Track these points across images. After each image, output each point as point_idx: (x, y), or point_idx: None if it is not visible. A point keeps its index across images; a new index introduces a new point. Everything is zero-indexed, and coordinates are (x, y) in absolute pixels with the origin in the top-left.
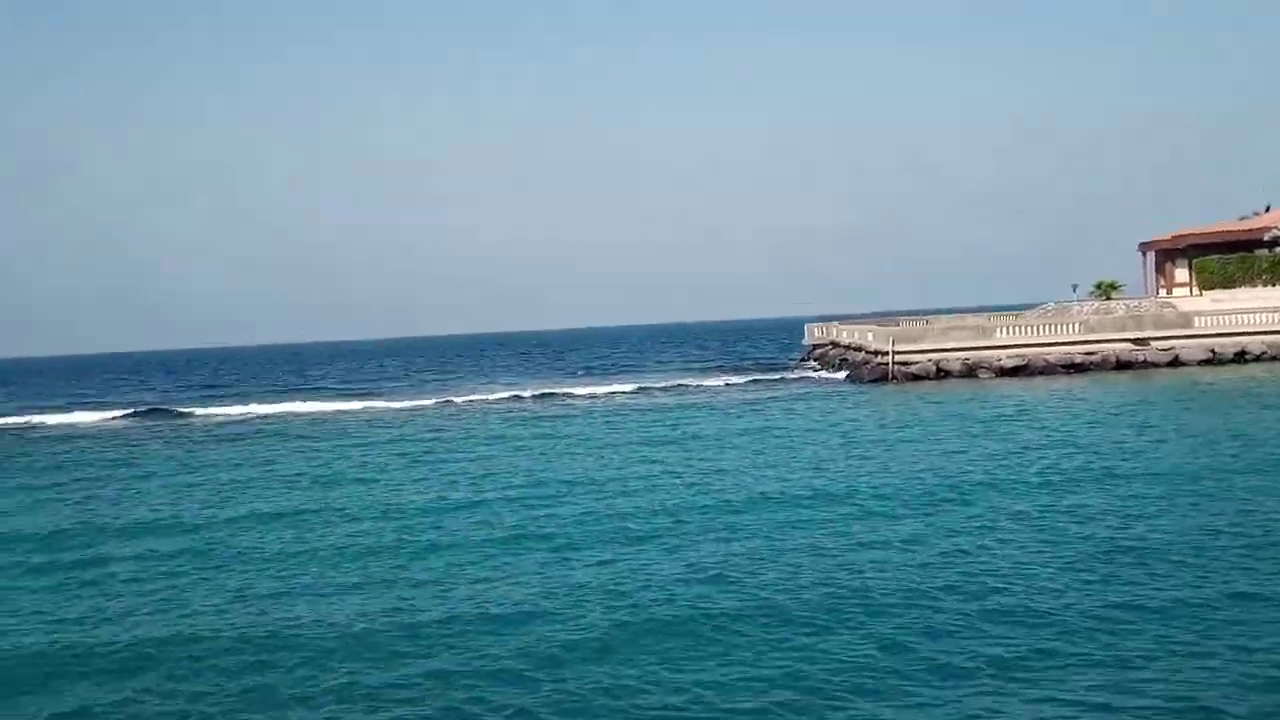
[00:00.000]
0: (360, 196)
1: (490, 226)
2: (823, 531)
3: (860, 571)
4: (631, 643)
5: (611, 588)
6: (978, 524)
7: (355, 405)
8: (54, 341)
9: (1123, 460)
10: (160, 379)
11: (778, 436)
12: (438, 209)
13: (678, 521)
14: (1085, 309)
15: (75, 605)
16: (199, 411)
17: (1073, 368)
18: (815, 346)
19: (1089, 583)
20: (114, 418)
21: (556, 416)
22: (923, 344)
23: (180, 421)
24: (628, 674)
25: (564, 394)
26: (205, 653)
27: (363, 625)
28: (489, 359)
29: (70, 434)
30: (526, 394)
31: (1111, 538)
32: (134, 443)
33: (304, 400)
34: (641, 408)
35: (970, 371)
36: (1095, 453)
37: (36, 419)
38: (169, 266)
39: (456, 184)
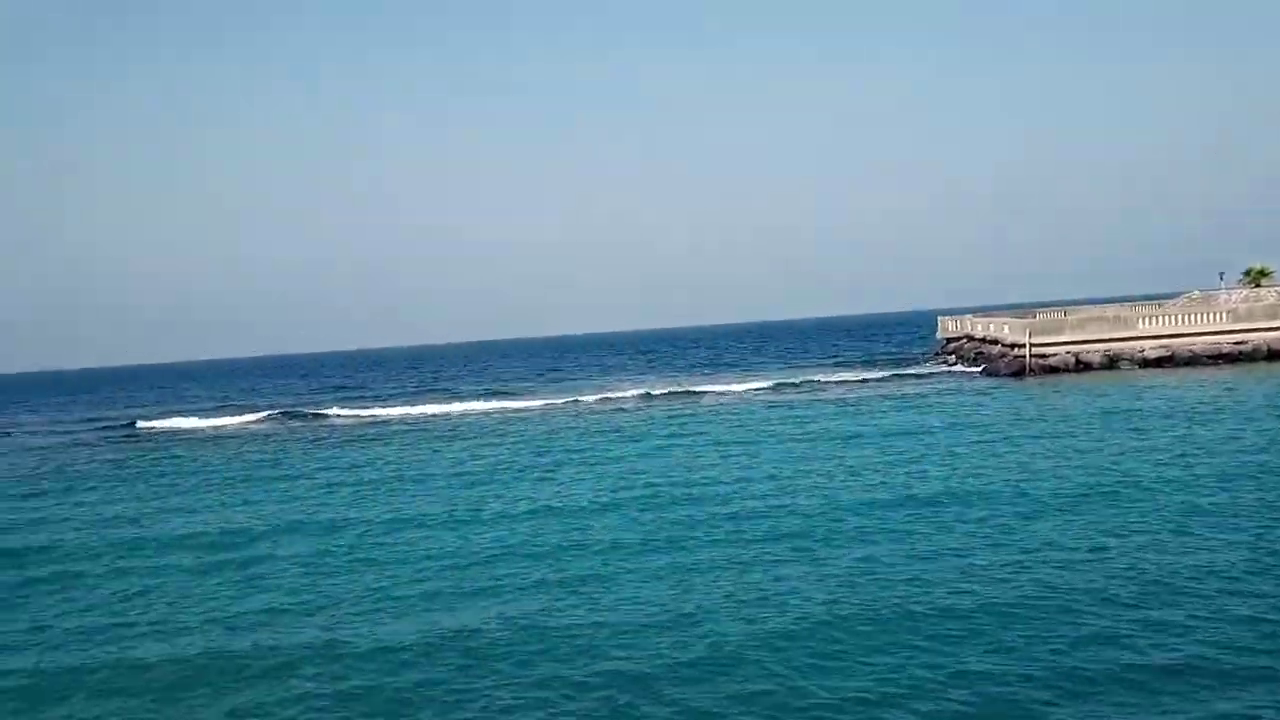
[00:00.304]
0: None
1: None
2: (991, 529)
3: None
4: (851, 634)
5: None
6: (1169, 524)
7: (508, 404)
8: (197, 347)
9: None
10: (297, 382)
11: (932, 434)
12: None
13: (866, 519)
14: (1233, 297)
15: (244, 602)
16: (347, 412)
17: (1220, 358)
18: (949, 340)
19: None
20: (258, 419)
21: (710, 413)
22: (1061, 336)
23: (339, 422)
24: (844, 662)
25: (693, 391)
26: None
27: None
28: (591, 358)
29: (219, 435)
30: (656, 391)
31: None
32: (281, 443)
33: (446, 401)
34: (781, 404)
35: (1111, 363)
36: (1262, 449)
37: (184, 423)
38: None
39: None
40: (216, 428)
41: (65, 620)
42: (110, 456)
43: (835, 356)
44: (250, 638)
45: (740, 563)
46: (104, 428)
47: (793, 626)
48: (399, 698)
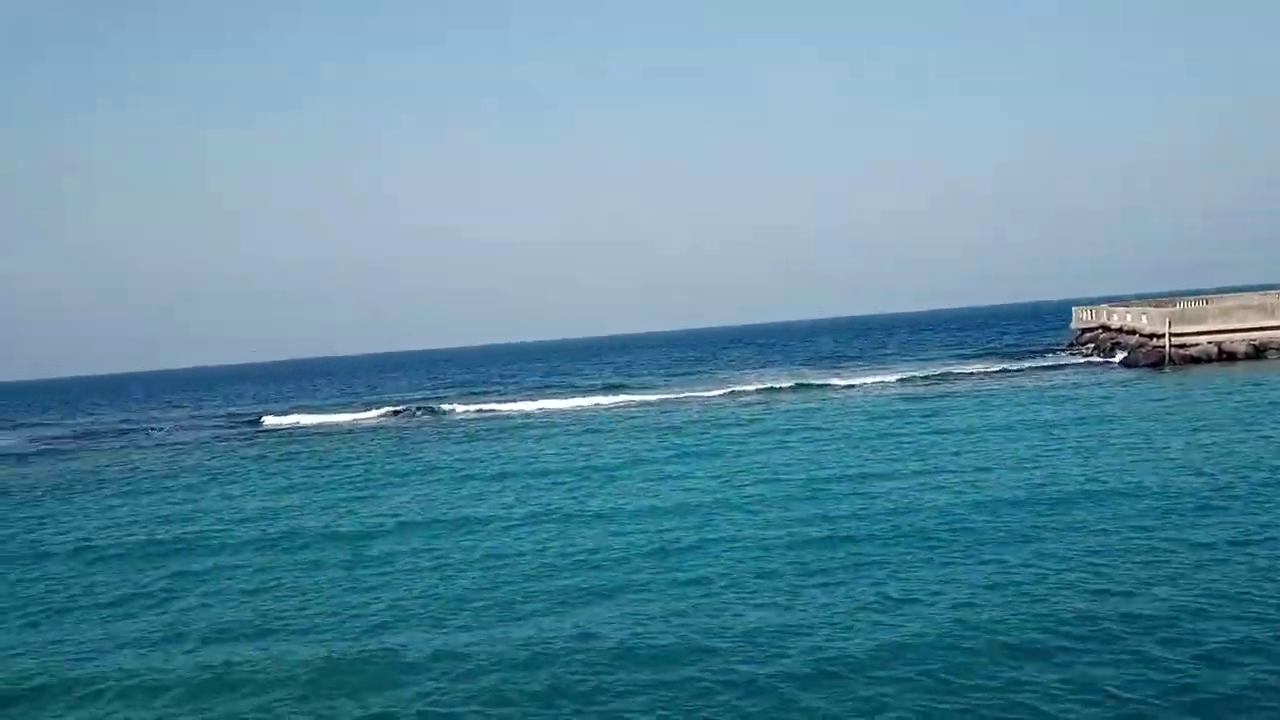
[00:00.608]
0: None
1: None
2: (1155, 526)
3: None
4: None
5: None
6: None
7: (634, 399)
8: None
9: None
10: (410, 379)
11: (1068, 427)
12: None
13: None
14: None
15: (382, 597)
16: (472, 408)
17: None
18: (1083, 330)
19: None
20: (384, 415)
21: (843, 406)
22: (1203, 325)
23: (464, 417)
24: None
25: (822, 384)
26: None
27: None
28: (701, 352)
29: (351, 429)
30: (782, 384)
31: None
32: (411, 438)
33: (569, 396)
34: (914, 397)
35: (1258, 353)
36: None
37: (310, 419)
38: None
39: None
40: (349, 423)
41: (209, 614)
42: (252, 452)
43: (961, 348)
44: (389, 634)
45: (897, 562)
46: (241, 423)
47: (918, 636)
48: (530, 699)
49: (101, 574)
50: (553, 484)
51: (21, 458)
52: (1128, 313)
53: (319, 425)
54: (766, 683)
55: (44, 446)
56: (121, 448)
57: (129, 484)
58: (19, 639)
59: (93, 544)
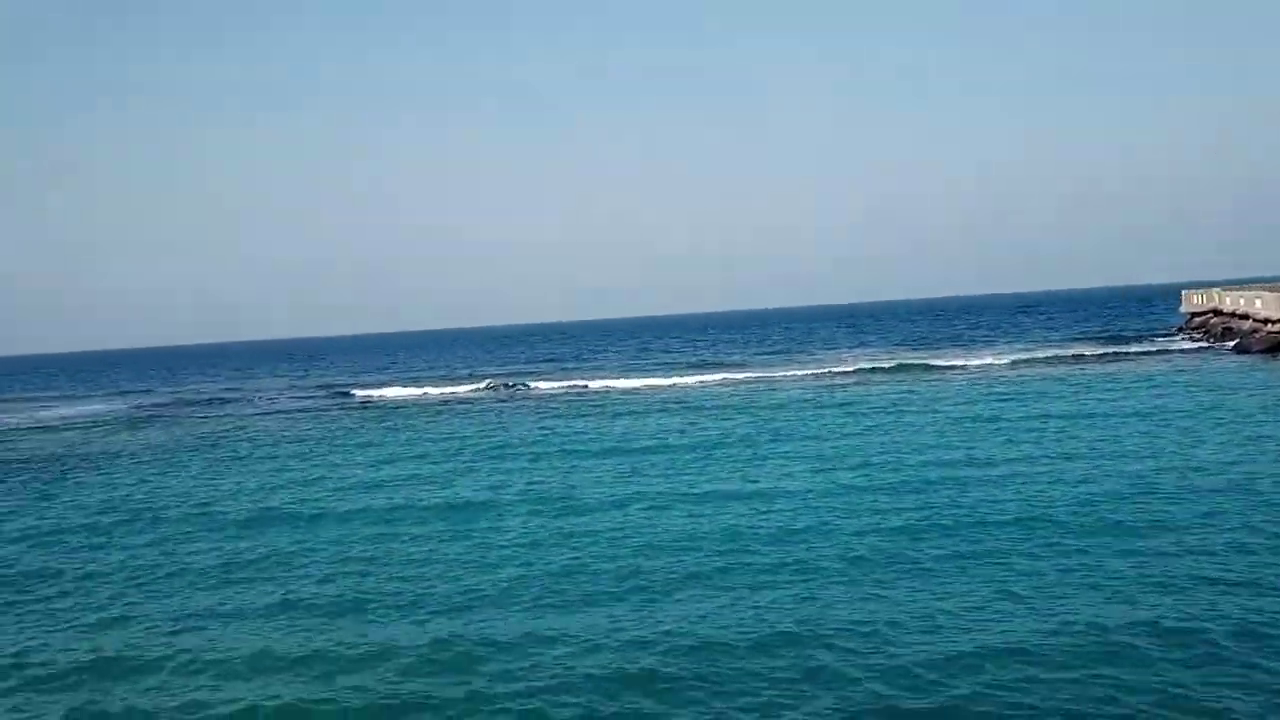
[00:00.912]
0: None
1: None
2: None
3: None
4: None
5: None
6: None
7: (729, 376)
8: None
9: None
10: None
11: (1194, 414)
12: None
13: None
14: None
15: (490, 577)
16: (564, 384)
17: None
18: (1193, 315)
19: None
20: (478, 389)
21: (945, 388)
22: None
23: (556, 392)
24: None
25: (924, 365)
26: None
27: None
28: (795, 331)
29: (446, 400)
30: (882, 365)
31: None
32: (510, 413)
33: (664, 375)
34: (1016, 380)
35: None
36: None
37: (403, 391)
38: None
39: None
40: (440, 396)
41: (316, 585)
42: (350, 423)
43: (1061, 330)
44: (486, 612)
45: (1025, 551)
46: (335, 394)
47: (1052, 632)
48: (629, 684)
49: (212, 541)
50: (652, 463)
51: (131, 423)
52: (1241, 296)
53: (410, 398)
54: (887, 673)
55: (150, 413)
56: (225, 415)
57: (237, 451)
58: (126, 608)
59: (207, 510)
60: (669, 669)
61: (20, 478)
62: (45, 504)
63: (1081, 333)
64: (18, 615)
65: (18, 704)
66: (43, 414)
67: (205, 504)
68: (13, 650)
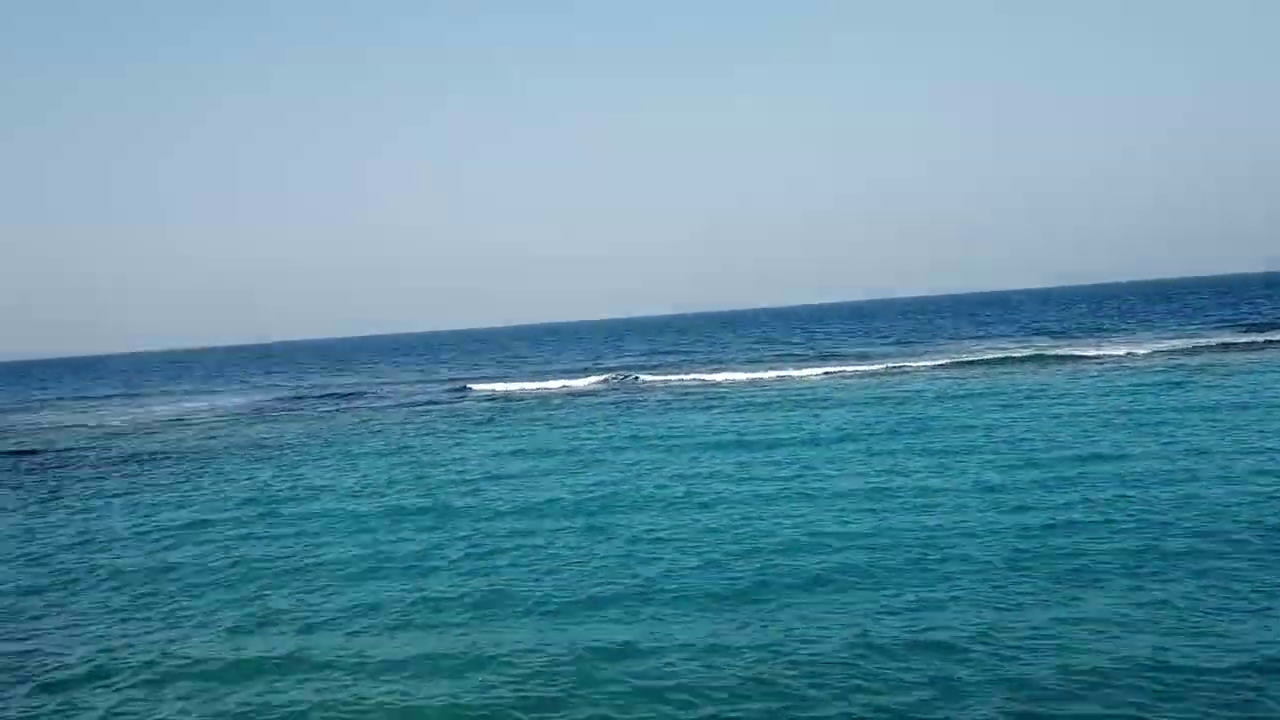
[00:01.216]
0: None
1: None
2: None
3: None
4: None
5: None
6: None
7: (846, 368)
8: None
9: None
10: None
11: None
12: None
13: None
14: None
15: (631, 579)
16: (685, 377)
17: None
18: None
19: None
20: (596, 382)
21: (1086, 379)
22: None
23: (677, 386)
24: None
25: (1061, 354)
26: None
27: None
28: (912, 322)
29: (565, 394)
30: (1015, 354)
31: None
32: (638, 408)
33: (781, 367)
34: (1168, 368)
35: None
36: None
37: (516, 386)
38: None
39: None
40: (558, 390)
41: (449, 582)
42: (476, 419)
43: (1203, 319)
44: (611, 610)
45: (1193, 563)
46: (453, 389)
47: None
48: (773, 691)
49: (348, 534)
50: (781, 457)
51: (264, 415)
52: None
53: (528, 391)
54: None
55: (287, 407)
56: (353, 409)
57: (367, 445)
58: (261, 603)
59: (343, 504)
60: (788, 676)
61: (167, 468)
62: (196, 493)
63: (1231, 320)
64: (166, 610)
65: (157, 697)
66: (186, 405)
67: (341, 497)
68: (158, 649)
